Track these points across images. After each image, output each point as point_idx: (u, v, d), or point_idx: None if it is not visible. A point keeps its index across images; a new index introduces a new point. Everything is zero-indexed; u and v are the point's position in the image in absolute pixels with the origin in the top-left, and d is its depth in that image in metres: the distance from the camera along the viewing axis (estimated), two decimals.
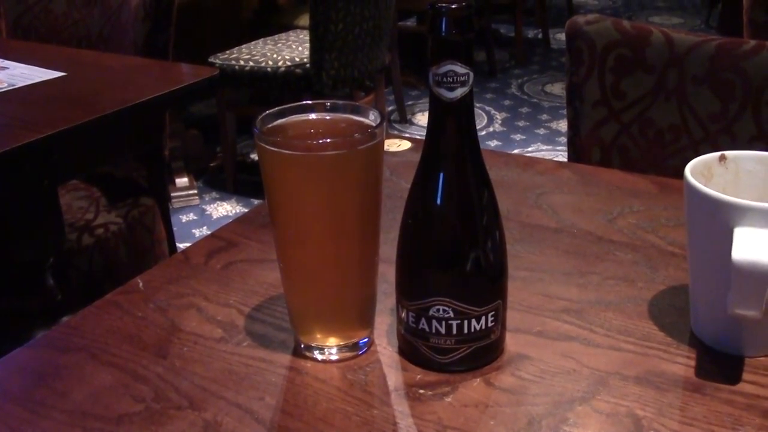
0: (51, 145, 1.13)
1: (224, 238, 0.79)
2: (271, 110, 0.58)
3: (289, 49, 2.64)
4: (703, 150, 0.63)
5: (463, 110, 0.54)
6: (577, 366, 0.59)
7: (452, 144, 0.55)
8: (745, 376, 0.57)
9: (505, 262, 0.59)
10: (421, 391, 0.57)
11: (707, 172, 0.61)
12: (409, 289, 0.58)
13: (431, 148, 0.56)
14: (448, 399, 0.56)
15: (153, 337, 0.64)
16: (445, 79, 0.53)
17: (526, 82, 4.07)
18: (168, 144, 1.73)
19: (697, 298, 0.61)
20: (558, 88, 3.90)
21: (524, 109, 3.67)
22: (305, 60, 2.51)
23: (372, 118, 0.57)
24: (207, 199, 2.80)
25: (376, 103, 3.12)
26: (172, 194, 2.88)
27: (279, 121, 0.58)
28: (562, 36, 1.36)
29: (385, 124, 0.56)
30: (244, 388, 0.58)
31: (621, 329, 0.63)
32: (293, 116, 0.59)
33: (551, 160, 0.99)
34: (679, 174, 0.59)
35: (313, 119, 0.59)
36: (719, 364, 0.58)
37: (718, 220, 0.55)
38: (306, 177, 0.54)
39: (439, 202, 0.56)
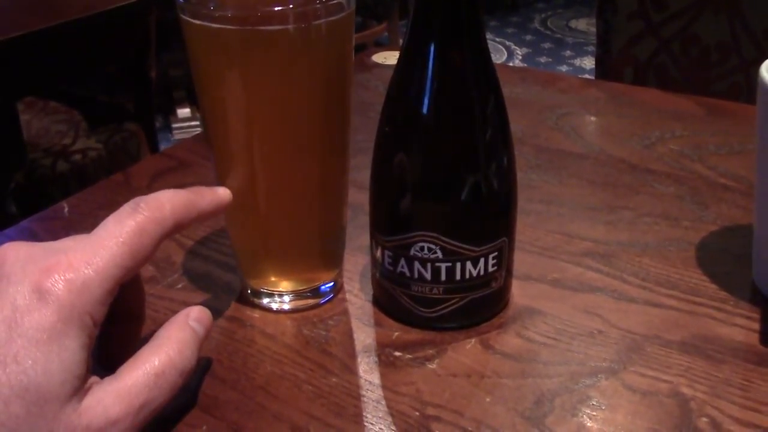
0: (5, 55, 0.99)
1: (176, 157, 0.66)
2: None
3: None
4: (755, 73, 0.48)
5: None
6: (604, 326, 0.45)
7: (446, 27, 0.40)
8: None
9: (513, 190, 0.45)
10: (398, 354, 0.43)
11: None
12: (384, 220, 0.44)
13: (416, 33, 0.41)
14: (432, 365, 0.42)
15: None
16: None
17: (549, 16, 3.87)
18: (154, 66, 1.58)
19: (766, 241, 0.47)
20: (583, 24, 3.70)
21: (546, 45, 3.48)
22: None
23: None
24: None
25: (389, 33, 2.95)
26: (173, 125, 2.78)
27: None
28: None
29: None
30: None
31: (661, 280, 0.49)
32: None
33: (577, 77, 0.84)
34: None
35: None
36: None
37: None
38: (246, 62, 0.40)
39: (426, 105, 0.42)
